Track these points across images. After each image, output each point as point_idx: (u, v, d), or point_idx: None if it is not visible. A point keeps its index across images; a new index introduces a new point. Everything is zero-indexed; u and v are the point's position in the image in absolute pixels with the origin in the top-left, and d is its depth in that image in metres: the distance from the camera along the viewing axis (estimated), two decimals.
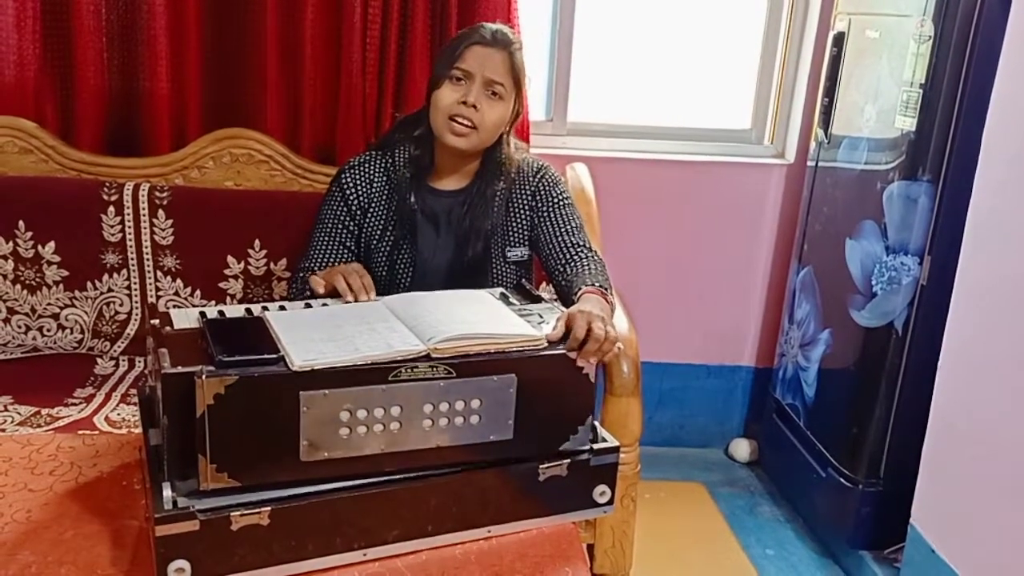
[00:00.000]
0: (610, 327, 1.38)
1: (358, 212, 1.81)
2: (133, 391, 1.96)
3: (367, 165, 1.83)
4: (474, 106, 1.70)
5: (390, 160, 1.82)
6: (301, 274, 1.80)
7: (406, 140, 1.82)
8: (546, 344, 1.34)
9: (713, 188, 2.77)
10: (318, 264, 1.79)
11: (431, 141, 1.79)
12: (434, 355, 1.26)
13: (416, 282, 1.78)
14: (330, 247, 1.81)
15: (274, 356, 1.21)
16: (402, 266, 1.79)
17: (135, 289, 2.20)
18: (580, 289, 1.63)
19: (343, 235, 1.81)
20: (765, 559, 2.39)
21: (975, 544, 1.88)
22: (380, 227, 1.81)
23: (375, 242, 1.81)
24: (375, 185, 1.81)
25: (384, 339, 1.28)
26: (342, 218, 1.81)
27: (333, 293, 1.55)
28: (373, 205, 1.81)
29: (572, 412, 1.36)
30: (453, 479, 1.30)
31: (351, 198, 1.81)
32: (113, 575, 1.20)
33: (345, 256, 1.81)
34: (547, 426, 1.35)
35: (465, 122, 1.71)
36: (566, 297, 1.71)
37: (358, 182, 1.82)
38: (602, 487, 1.41)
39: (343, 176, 1.83)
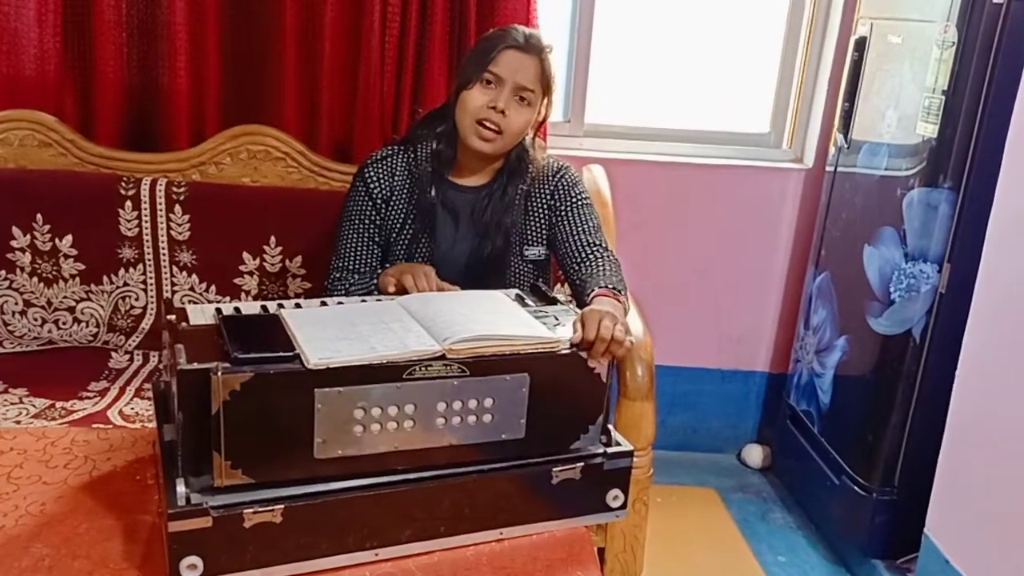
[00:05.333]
0: (619, 327, 1.37)
1: (382, 205, 1.82)
2: (147, 385, 1.97)
3: (390, 159, 1.84)
4: (502, 112, 1.71)
5: (412, 155, 1.83)
6: (336, 273, 1.81)
7: (429, 136, 1.83)
8: (565, 347, 1.34)
9: (730, 192, 2.76)
10: (350, 262, 1.80)
11: (455, 137, 1.79)
12: (449, 355, 1.26)
13: None
14: (359, 244, 1.81)
15: (290, 354, 1.21)
16: (420, 260, 1.79)
17: (151, 284, 2.20)
18: (593, 290, 1.63)
19: (371, 230, 1.82)
20: (777, 566, 2.38)
21: (990, 556, 1.86)
22: (400, 220, 1.81)
23: (394, 235, 1.82)
24: (397, 179, 1.82)
25: (400, 339, 1.28)
26: (368, 213, 1.82)
27: (402, 292, 1.58)
28: (394, 198, 1.82)
29: (583, 411, 1.37)
30: (467, 480, 1.30)
31: (375, 191, 1.81)
32: (126, 570, 1.20)
33: (375, 251, 1.82)
34: (558, 425, 1.35)
35: (492, 127, 1.72)
36: (580, 297, 1.71)
37: (381, 175, 1.82)
38: (615, 491, 1.41)
39: (366, 170, 1.83)
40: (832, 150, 2.54)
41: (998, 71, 1.94)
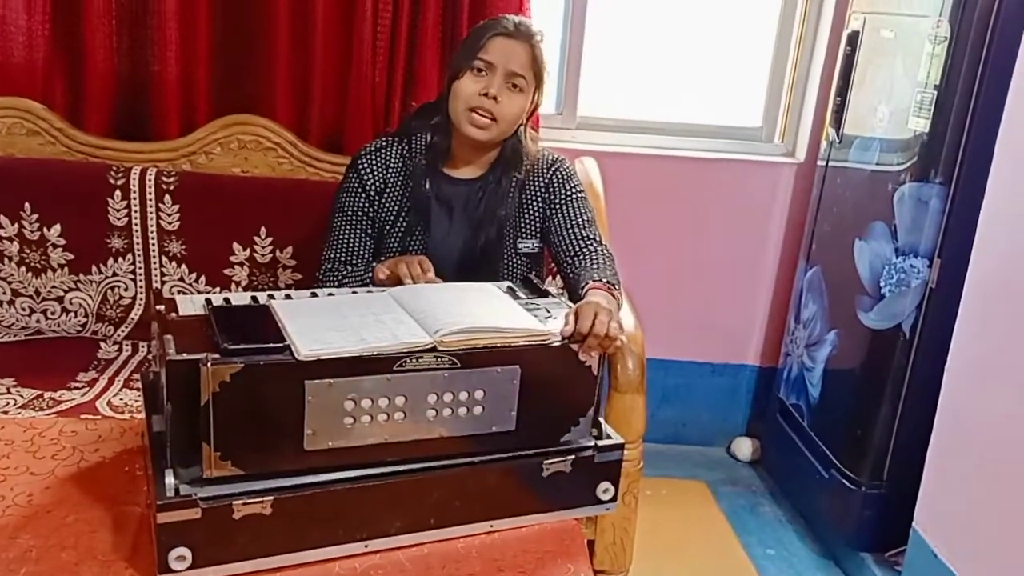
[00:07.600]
0: (614, 323, 1.37)
1: (375, 197, 1.81)
2: (136, 376, 1.96)
3: (383, 151, 1.83)
4: (495, 98, 1.70)
5: (406, 147, 1.82)
6: (328, 264, 1.80)
7: (423, 128, 1.82)
8: (556, 340, 1.33)
9: (722, 185, 2.76)
10: (342, 253, 1.80)
11: (449, 129, 1.78)
12: (440, 348, 1.25)
13: None
14: (351, 235, 1.81)
15: (280, 345, 1.20)
16: (414, 252, 1.79)
17: (140, 274, 2.19)
18: (587, 284, 1.63)
19: (363, 221, 1.81)
20: (765, 559, 2.39)
21: (978, 550, 1.87)
22: (394, 212, 1.81)
23: (388, 227, 1.81)
24: (391, 170, 1.81)
25: (390, 330, 1.28)
26: (361, 204, 1.81)
27: (397, 283, 1.58)
28: (388, 190, 1.81)
29: (574, 404, 1.36)
30: (457, 472, 1.30)
31: (368, 183, 1.81)
32: (114, 561, 1.20)
33: (367, 243, 1.82)
34: (549, 417, 1.35)
35: (485, 114, 1.71)
36: (573, 290, 1.70)
37: (374, 167, 1.81)
38: (606, 484, 1.40)
39: (360, 161, 1.82)
40: (824, 144, 2.54)
41: (990, 66, 1.94)
